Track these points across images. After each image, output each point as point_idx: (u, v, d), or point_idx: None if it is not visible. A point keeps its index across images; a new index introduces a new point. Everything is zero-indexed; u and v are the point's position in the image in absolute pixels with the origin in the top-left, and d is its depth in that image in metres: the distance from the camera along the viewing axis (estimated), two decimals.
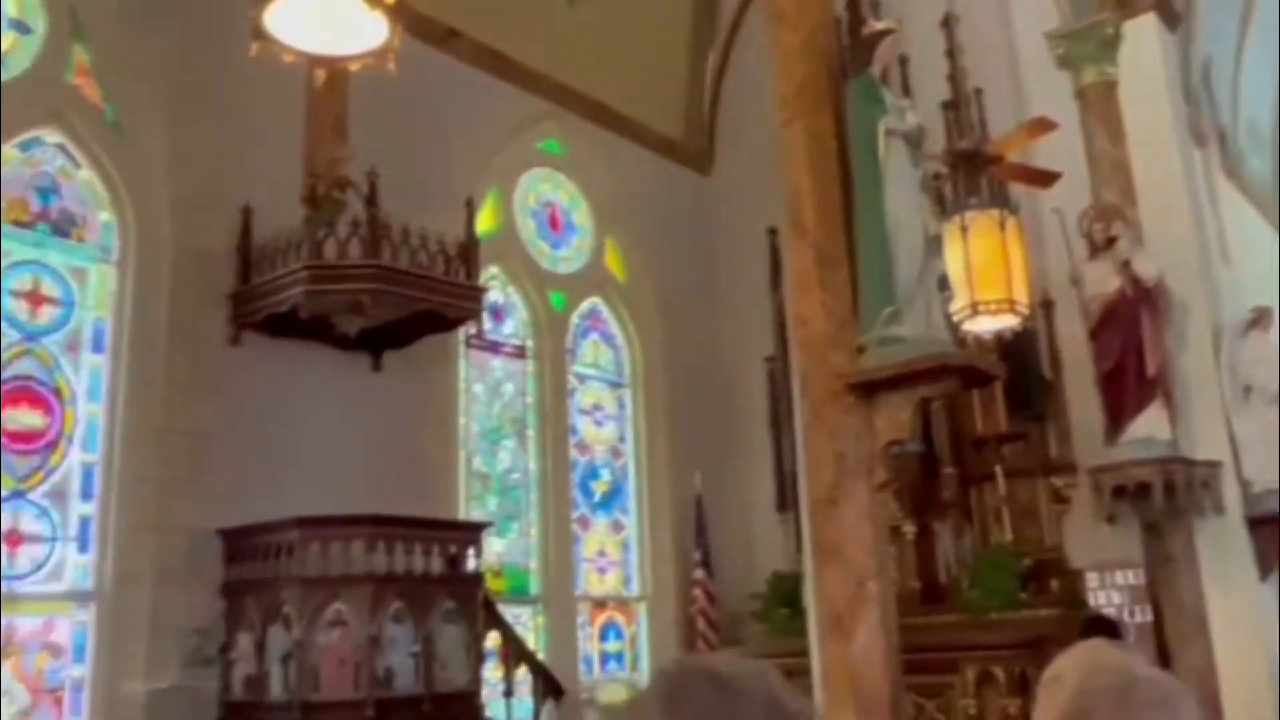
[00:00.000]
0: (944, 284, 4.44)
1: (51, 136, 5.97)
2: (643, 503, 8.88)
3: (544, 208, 8.83)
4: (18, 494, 5.55)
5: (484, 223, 7.57)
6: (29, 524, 5.57)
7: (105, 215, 6.12)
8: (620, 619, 8.58)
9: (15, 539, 5.50)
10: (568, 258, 8.89)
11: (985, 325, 5.14)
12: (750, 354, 8.88)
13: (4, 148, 5.68)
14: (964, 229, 5.02)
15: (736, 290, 9.33)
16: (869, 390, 4.21)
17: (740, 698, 0.98)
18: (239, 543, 5.92)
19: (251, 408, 6.26)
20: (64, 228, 5.98)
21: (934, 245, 4.43)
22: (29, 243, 5.82)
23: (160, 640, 5.69)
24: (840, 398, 4.20)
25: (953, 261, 4.77)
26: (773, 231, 8.54)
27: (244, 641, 5.72)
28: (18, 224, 5.80)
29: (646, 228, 9.28)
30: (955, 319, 4.80)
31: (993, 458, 7.32)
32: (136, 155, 6.18)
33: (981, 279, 4.95)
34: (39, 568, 5.57)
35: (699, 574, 8.43)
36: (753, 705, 0.99)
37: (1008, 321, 5.16)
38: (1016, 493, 7.20)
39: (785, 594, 7.67)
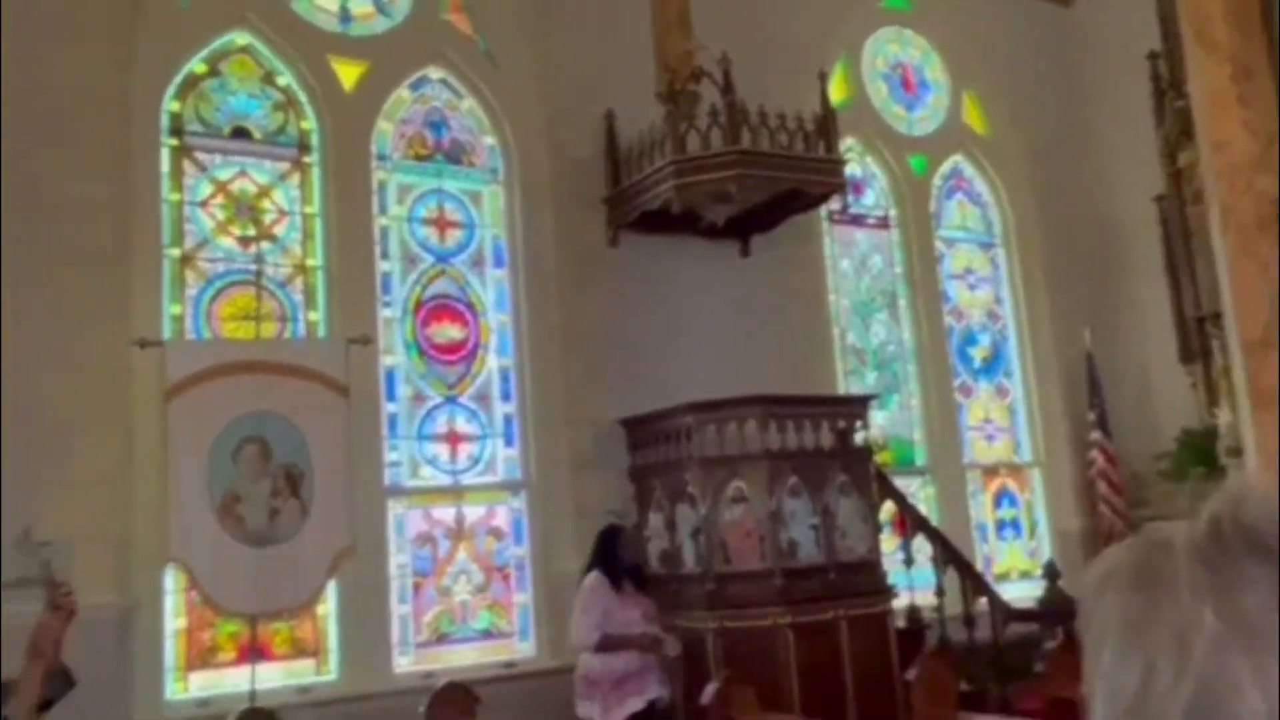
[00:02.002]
0: None
1: (435, 73, 6.51)
2: (1027, 365, 8.50)
3: (894, 69, 8.48)
4: (451, 399, 6.25)
5: (835, 93, 7.40)
6: (463, 425, 6.27)
7: (489, 139, 6.62)
8: (1013, 486, 8.34)
9: (455, 439, 6.22)
10: (924, 118, 8.52)
11: None
12: (1135, 195, 8.13)
13: (399, 89, 6.30)
14: None
15: (1113, 129, 8.54)
16: None
17: None
18: (640, 430, 6.31)
19: (634, 303, 6.61)
20: (456, 155, 6.54)
21: None
22: (430, 174, 6.43)
23: (583, 522, 6.23)
24: (1271, 226, 3.75)
25: None
26: (1153, 56, 7.73)
27: (655, 520, 6.13)
28: (418, 158, 6.42)
29: (1006, 75, 8.67)
30: None
31: None
32: (508, 79, 6.60)
33: None
34: (476, 462, 6.27)
35: (1096, 435, 7.98)
36: None
37: None
38: None
39: (1198, 451, 7.11)
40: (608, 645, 5.09)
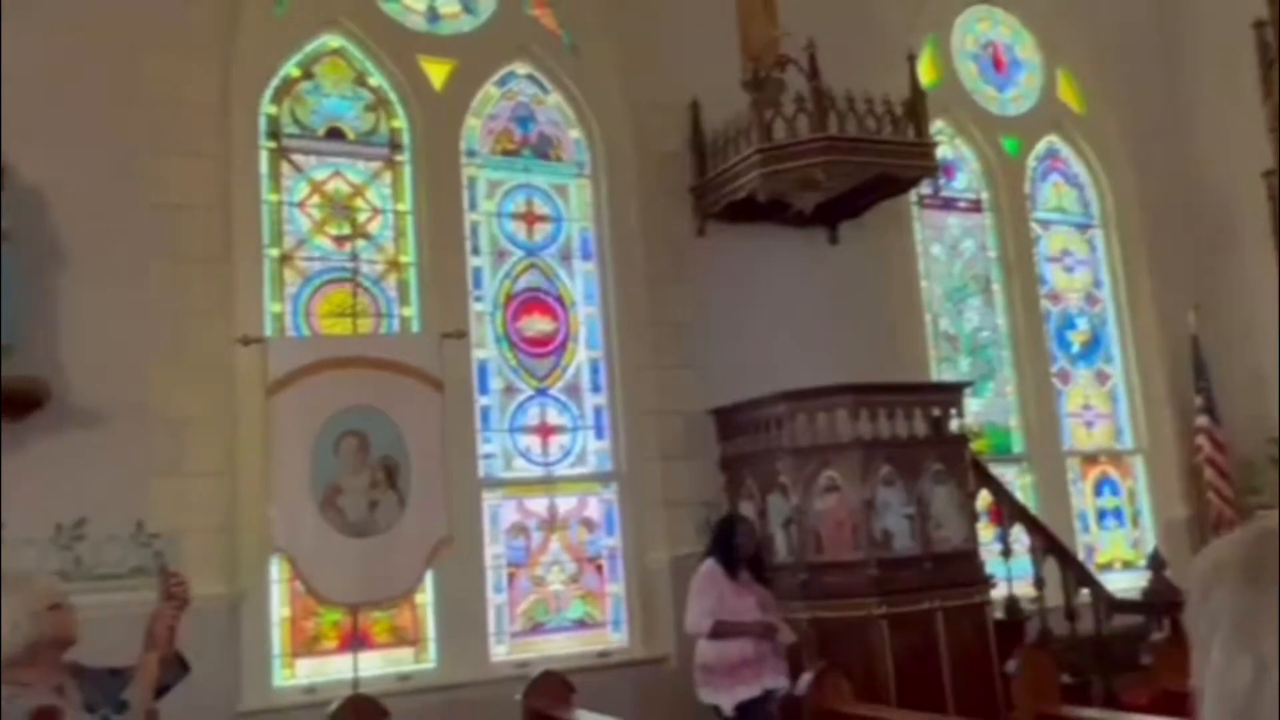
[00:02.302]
0: None
1: (521, 69, 6.58)
2: (1128, 349, 8.25)
3: (984, 49, 8.29)
4: (542, 391, 6.32)
5: (924, 75, 7.25)
6: (554, 416, 6.33)
7: (575, 133, 6.66)
8: (1115, 473, 8.11)
9: (546, 430, 6.29)
10: (1017, 98, 8.31)
11: None
12: (1242, 171, 7.81)
13: (486, 86, 6.39)
14: None
15: (1216, 102, 8.24)
16: None
17: None
18: (730, 420, 6.31)
19: (722, 293, 6.60)
20: (543, 149, 6.60)
21: None
22: (518, 169, 6.51)
23: (674, 512, 6.26)
24: None
25: None
26: (1259, 25, 7.44)
27: (746, 510, 6.10)
28: (506, 153, 6.50)
29: (1102, 50, 8.41)
30: None
31: None
32: (593, 73, 6.63)
33: None
34: (567, 454, 6.33)
35: (1202, 420, 7.72)
36: None
37: None
38: None
39: None
40: (721, 632, 5.08)
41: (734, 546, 5.28)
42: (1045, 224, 8.29)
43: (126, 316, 5.20)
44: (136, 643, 2.77)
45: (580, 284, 6.53)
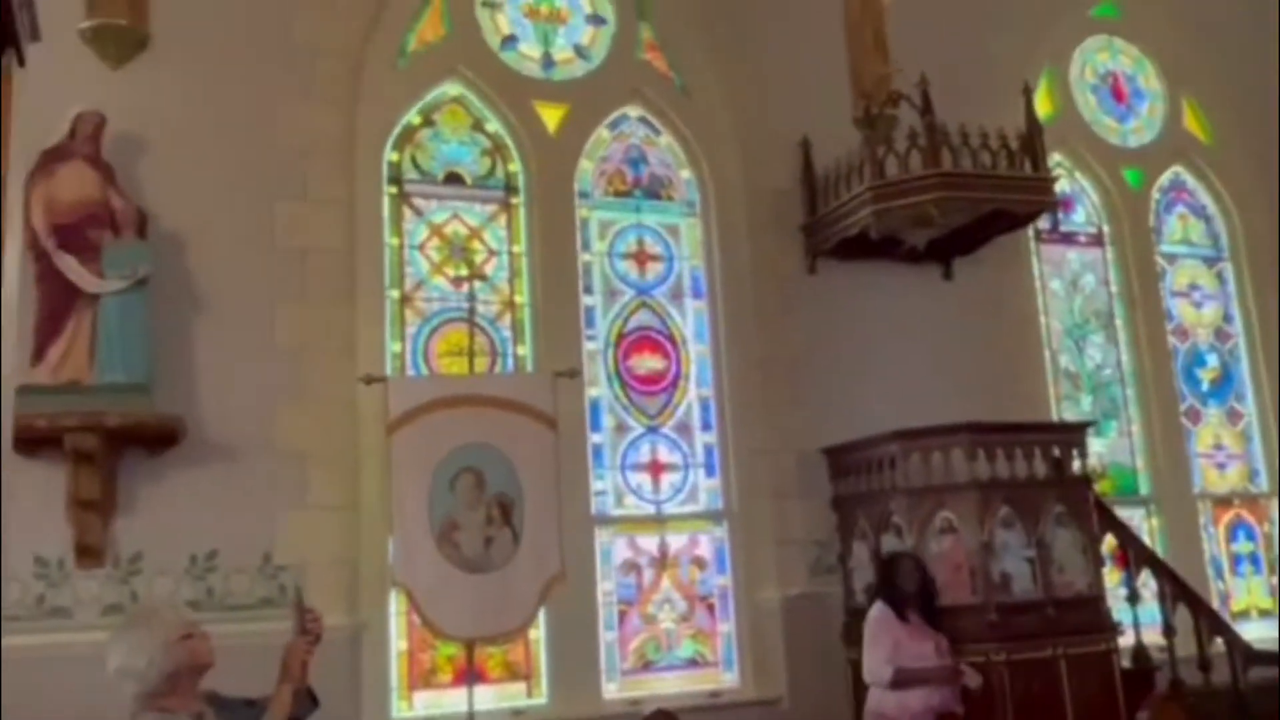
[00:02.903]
0: None
1: (633, 111, 6.69)
2: (1263, 387, 7.88)
3: (1104, 80, 8.10)
4: (653, 429, 6.36)
5: (1040, 108, 7.13)
6: (665, 454, 6.36)
7: (686, 173, 6.73)
8: (1250, 517, 7.74)
9: (657, 468, 6.32)
10: (1139, 129, 8.09)
11: None
12: None
13: (599, 129, 6.53)
14: None
15: None
16: None
17: None
18: (842, 459, 6.23)
19: (833, 330, 6.55)
20: (654, 190, 6.69)
21: None
22: (629, 209, 6.60)
23: (786, 551, 6.21)
24: None
25: None
26: None
27: (859, 550, 6.02)
28: (618, 194, 6.61)
29: (1230, 77, 8.13)
30: None
31: None
32: (703, 113, 6.70)
33: None
34: (678, 492, 6.35)
35: None
36: None
37: None
38: None
39: None
40: (904, 680, 4.86)
41: (895, 586, 5.09)
42: (1171, 257, 8.02)
43: (256, 356, 5.42)
44: (262, 671, 2.87)
45: (691, 322, 6.57)
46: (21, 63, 2.29)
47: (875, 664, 4.94)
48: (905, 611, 5.06)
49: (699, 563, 6.30)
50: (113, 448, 4.99)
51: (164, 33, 4.93)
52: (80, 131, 5.20)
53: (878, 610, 5.08)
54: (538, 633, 5.79)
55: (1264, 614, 7.47)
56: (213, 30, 5.64)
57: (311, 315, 5.57)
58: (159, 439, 5.10)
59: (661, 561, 6.21)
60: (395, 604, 5.54)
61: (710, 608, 6.27)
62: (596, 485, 6.15)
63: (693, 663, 6.16)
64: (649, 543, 6.21)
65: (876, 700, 4.97)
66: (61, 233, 5.00)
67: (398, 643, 5.59)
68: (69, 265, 4.97)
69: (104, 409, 4.84)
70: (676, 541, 6.27)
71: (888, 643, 4.95)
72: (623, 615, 6.08)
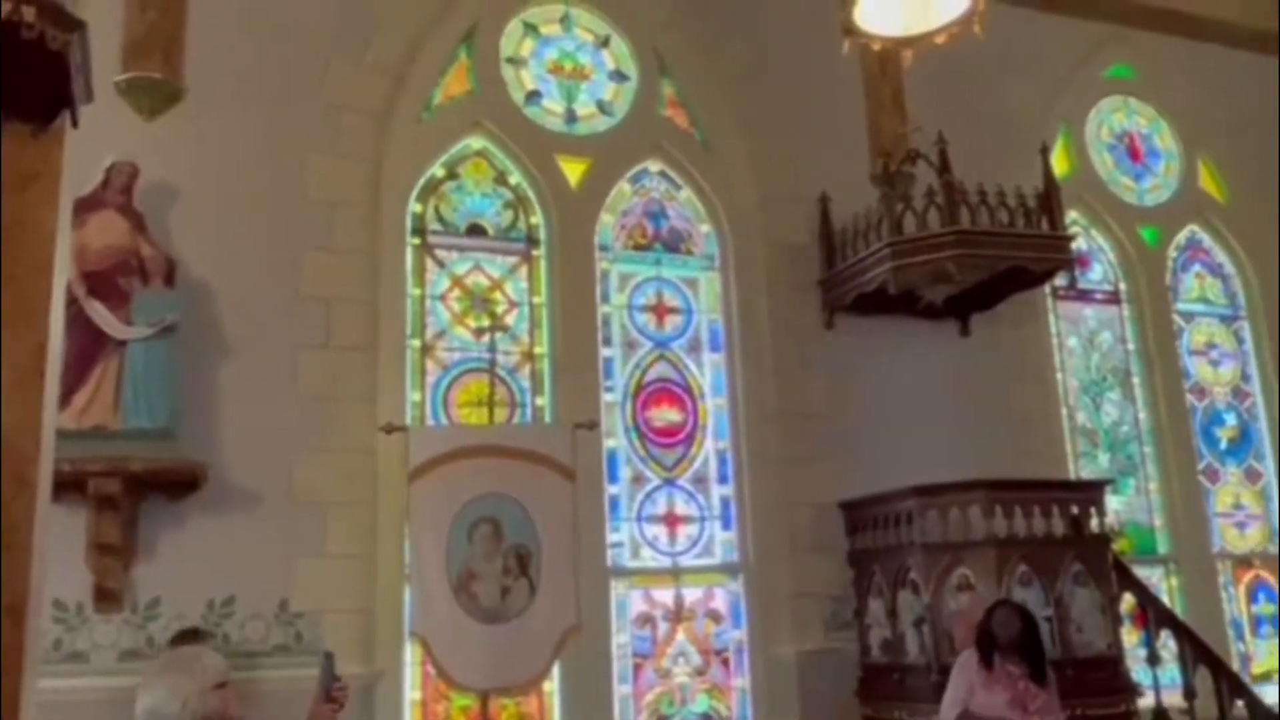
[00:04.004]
0: None
1: (654, 166, 6.79)
2: None
3: (1120, 139, 8.18)
4: (669, 482, 6.38)
5: (1057, 166, 7.19)
6: (681, 506, 6.37)
7: (705, 227, 6.81)
8: (1270, 578, 7.67)
9: (673, 520, 6.33)
10: (1155, 188, 8.15)
11: None
12: None
13: (620, 183, 6.62)
14: None
15: None
16: None
17: None
18: (859, 514, 6.22)
19: (850, 385, 6.57)
20: (674, 244, 6.76)
21: None
22: (649, 262, 6.68)
23: (802, 606, 6.18)
24: None
25: None
26: None
27: (875, 607, 6.00)
28: (638, 248, 6.68)
29: (1245, 137, 8.19)
30: None
31: None
32: (723, 168, 6.79)
33: None
34: (694, 544, 6.34)
35: None
36: None
37: None
38: None
39: None
40: None
41: (990, 634, 4.99)
42: (1188, 315, 8.04)
43: (278, 403, 5.48)
44: (275, 717, 2.86)
45: (709, 375, 6.60)
46: (75, 124, 2.36)
47: (945, 704, 4.95)
48: (996, 658, 4.95)
49: (714, 616, 6.27)
50: (135, 492, 5.04)
51: (197, 87, 5.03)
52: (114, 182, 5.31)
53: (966, 654, 5.04)
54: (552, 685, 5.77)
55: None
56: (244, 84, 5.76)
57: (334, 364, 5.63)
58: (181, 484, 5.15)
59: (677, 615, 6.19)
60: (410, 654, 5.52)
61: (725, 662, 6.24)
62: (612, 537, 6.15)
63: (707, 718, 6.12)
64: (664, 595, 6.20)
65: None
66: (91, 280, 5.09)
67: (412, 693, 5.57)
68: (98, 312, 5.05)
69: (128, 454, 4.90)
70: (692, 594, 6.25)
71: (961, 686, 4.92)
72: (637, 668, 6.05)
